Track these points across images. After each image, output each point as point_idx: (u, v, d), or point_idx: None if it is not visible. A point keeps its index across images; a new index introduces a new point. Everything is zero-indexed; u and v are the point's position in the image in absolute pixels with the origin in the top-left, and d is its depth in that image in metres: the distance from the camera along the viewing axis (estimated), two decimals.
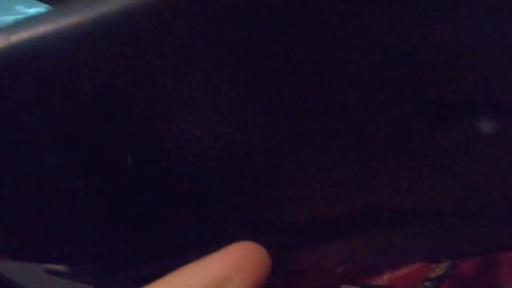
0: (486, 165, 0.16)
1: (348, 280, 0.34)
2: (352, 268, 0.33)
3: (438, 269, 0.43)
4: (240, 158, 0.16)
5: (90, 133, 0.16)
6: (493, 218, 0.17)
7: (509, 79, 0.14)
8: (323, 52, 0.14)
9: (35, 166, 0.17)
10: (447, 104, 0.15)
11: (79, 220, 0.18)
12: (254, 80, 0.15)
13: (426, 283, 0.43)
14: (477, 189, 0.16)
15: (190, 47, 0.14)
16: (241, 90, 0.15)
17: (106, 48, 0.15)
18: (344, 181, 0.16)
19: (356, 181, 0.16)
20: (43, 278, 0.22)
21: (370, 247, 0.19)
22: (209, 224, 0.18)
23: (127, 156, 0.16)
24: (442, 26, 0.14)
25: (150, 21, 0.14)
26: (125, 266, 0.19)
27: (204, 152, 0.16)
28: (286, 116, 0.15)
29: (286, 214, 0.18)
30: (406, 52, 0.14)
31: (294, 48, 0.14)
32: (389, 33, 0.14)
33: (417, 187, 0.16)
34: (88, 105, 0.15)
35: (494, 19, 0.14)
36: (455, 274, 0.46)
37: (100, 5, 0.14)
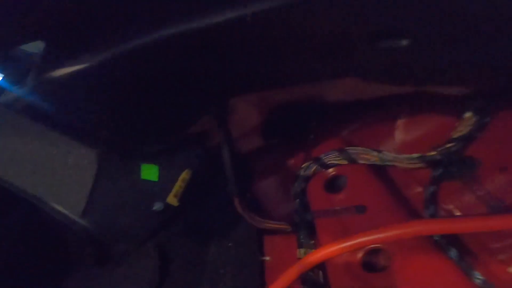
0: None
1: (354, 144, 0.56)
2: (361, 129, 0.56)
3: (462, 127, 0.44)
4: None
5: None
6: None
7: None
8: None
9: None
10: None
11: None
12: None
13: (448, 145, 0.44)
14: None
15: None
16: None
17: None
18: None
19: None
20: None
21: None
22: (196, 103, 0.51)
23: None
24: None
25: None
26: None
27: None
28: None
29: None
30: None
31: None
32: None
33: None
34: None
35: None
36: (487, 136, 0.41)
37: None
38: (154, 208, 0.62)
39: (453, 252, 0.36)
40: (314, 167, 0.56)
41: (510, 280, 0.34)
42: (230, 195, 0.54)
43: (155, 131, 0.56)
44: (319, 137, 0.61)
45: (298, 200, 0.56)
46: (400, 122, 0.52)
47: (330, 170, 0.55)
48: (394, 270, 0.39)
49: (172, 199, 0.59)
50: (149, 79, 0.41)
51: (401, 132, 0.52)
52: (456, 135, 0.45)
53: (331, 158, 0.54)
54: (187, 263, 0.64)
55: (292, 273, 0.46)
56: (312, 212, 0.52)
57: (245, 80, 0.46)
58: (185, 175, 0.60)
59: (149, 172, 0.62)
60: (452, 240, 0.38)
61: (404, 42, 0.33)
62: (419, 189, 0.47)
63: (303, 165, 0.57)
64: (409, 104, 0.52)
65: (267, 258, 0.58)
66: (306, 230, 0.52)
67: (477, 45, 0.34)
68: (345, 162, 0.53)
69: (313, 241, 0.51)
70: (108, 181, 0.60)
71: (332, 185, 0.55)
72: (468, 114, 0.45)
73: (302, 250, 0.51)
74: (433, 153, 0.45)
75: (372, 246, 0.42)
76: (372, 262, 0.44)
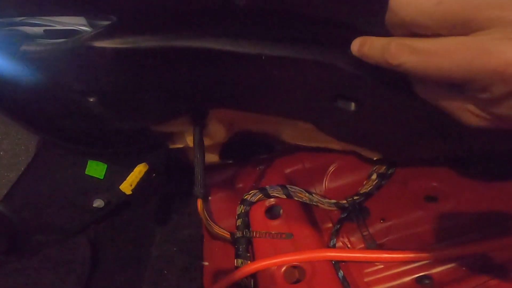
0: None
1: (293, 182, 0.77)
2: (300, 170, 0.78)
3: (367, 185, 0.68)
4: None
5: None
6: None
7: None
8: None
9: None
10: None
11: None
12: None
13: (355, 197, 0.68)
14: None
15: None
16: None
17: None
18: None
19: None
20: None
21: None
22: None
23: None
24: None
25: None
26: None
27: None
28: None
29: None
30: None
31: None
32: None
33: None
34: None
35: None
36: (380, 194, 0.65)
37: None
38: (94, 205, 0.67)
39: (340, 273, 0.60)
40: (259, 195, 0.74)
41: None
42: (195, 197, 0.64)
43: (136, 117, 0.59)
44: (267, 168, 0.81)
45: (241, 219, 0.74)
46: (329, 171, 0.75)
47: (271, 200, 0.75)
48: (305, 283, 0.60)
49: (126, 187, 0.63)
50: (162, 75, 0.47)
51: (328, 180, 0.75)
52: (362, 190, 0.70)
53: (274, 191, 0.73)
54: (124, 261, 0.70)
55: (230, 279, 0.64)
56: (252, 231, 0.72)
57: (228, 95, 0.55)
58: (142, 167, 0.66)
59: (95, 169, 0.66)
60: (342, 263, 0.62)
61: (353, 107, 0.46)
62: (330, 225, 0.71)
63: (250, 192, 0.75)
64: (340, 158, 0.75)
65: (206, 263, 0.73)
66: (245, 245, 0.70)
67: (398, 132, 0.52)
68: (284, 196, 0.73)
69: (249, 254, 0.69)
70: (44, 171, 0.63)
71: (270, 211, 0.75)
72: (373, 176, 0.70)
73: (239, 260, 0.68)
74: (344, 201, 0.69)
75: (293, 263, 0.63)
76: (291, 275, 0.64)
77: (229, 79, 0.48)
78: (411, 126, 0.49)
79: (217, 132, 0.67)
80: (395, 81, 0.37)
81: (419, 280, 0.60)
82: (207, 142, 0.68)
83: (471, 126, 0.30)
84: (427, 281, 0.59)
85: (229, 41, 0.40)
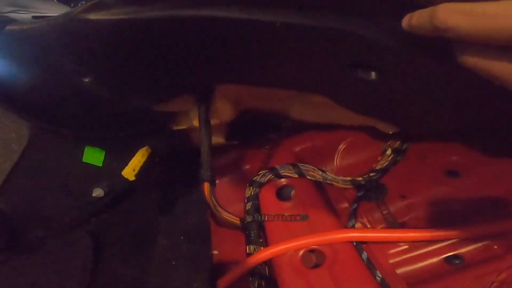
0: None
1: (303, 161, 0.74)
2: (310, 149, 0.75)
3: (382, 161, 0.65)
4: None
5: None
6: None
7: None
8: None
9: None
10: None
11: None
12: None
13: (371, 174, 0.65)
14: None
15: None
16: None
17: None
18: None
19: None
20: None
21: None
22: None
23: None
24: None
25: None
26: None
27: None
28: None
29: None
30: None
31: None
32: None
33: None
34: None
35: None
36: (396, 171, 0.63)
37: None
38: (94, 194, 0.64)
39: (364, 255, 0.57)
40: (269, 176, 0.71)
41: (397, 279, 0.56)
42: (201, 180, 0.61)
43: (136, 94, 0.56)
44: (274, 148, 0.78)
45: (251, 202, 0.71)
46: (340, 149, 0.72)
47: (282, 180, 0.72)
48: (326, 267, 0.57)
49: (128, 172, 0.60)
50: (163, 46, 0.44)
51: (339, 157, 0.72)
52: (377, 167, 0.66)
53: (285, 170, 0.70)
54: (129, 253, 0.68)
55: (243, 267, 0.61)
56: (263, 214, 0.69)
57: (238, 68, 0.51)
58: (144, 151, 0.63)
59: (93, 156, 0.63)
60: (363, 245, 0.59)
61: (373, 76, 0.44)
62: (346, 205, 0.68)
63: (259, 172, 0.72)
64: (351, 135, 0.71)
65: (216, 252, 0.70)
66: (256, 230, 0.67)
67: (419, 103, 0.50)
68: (295, 175, 0.70)
69: (261, 240, 0.66)
70: (39, 160, 0.60)
71: (280, 193, 0.72)
72: (388, 152, 0.67)
73: (252, 247, 0.65)
74: (360, 178, 0.66)
75: (309, 247, 0.61)
76: (309, 260, 0.62)
77: (239, 51, 0.45)
78: (434, 95, 0.47)
79: (223, 110, 0.64)
80: (422, 47, 0.35)
81: (448, 260, 0.57)
82: (213, 121, 0.64)
83: None
84: (457, 261, 0.57)
85: (239, 8, 0.36)
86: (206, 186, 0.62)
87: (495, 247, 0.55)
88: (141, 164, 0.61)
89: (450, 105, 0.49)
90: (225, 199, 0.76)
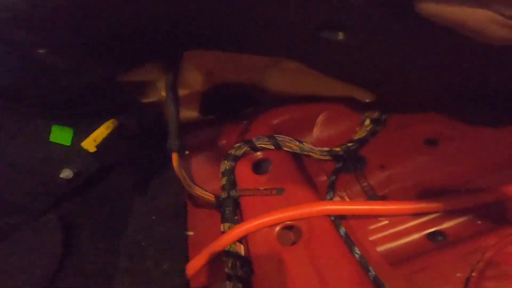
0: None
1: (281, 134, 0.70)
2: (288, 121, 0.71)
3: (361, 132, 0.62)
4: None
5: None
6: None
7: None
8: None
9: None
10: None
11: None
12: None
13: (349, 144, 0.61)
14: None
15: None
16: None
17: None
18: None
19: None
20: None
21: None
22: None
23: None
24: None
25: None
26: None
27: None
28: None
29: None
30: None
31: None
32: None
33: None
34: None
35: None
36: (376, 141, 0.59)
37: None
38: (62, 175, 0.62)
39: (342, 230, 0.53)
40: (245, 148, 0.67)
41: (376, 257, 0.52)
42: (169, 151, 0.58)
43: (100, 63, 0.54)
44: (252, 122, 0.73)
45: (226, 177, 0.67)
46: (319, 121, 0.68)
47: (258, 153, 0.68)
48: (302, 244, 0.53)
49: (89, 143, 0.58)
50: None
51: (318, 129, 0.68)
52: (356, 137, 0.63)
53: (261, 142, 0.66)
54: (100, 237, 0.65)
55: (216, 246, 0.57)
56: (238, 190, 0.65)
57: (203, 31, 0.49)
58: (109, 123, 0.60)
59: (61, 135, 0.61)
60: (342, 221, 0.56)
61: (341, 36, 0.43)
62: (325, 178, 0.64)
63: (235, 145, 0.68)
64: (330, 107, 0.68)
65: (191, 233, 0.67)
66: (231, 207, 0.63)
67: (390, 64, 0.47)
68: (272, 147, 0.66)
69: (237, 217, 0.62)
70: (2, 143, 0.58)
71: (258, 167, 0.68)
72: (367, 122, 0.63)
73: (226, 225, 0.61)
74: (337, 149, 0.62)
75: (286, 222, 0.57)
76: (286, 237, 0.58)
77: (203, 12, 0.42)
78: (403, 59, 0.45)
79: (193, 80, 0.60)
80: (389, 6, 0.34)
81: (431, 236, 0.54)
82: (183, 91, 0.61)
83: (499, 41, 0.29)
84: (440, 238, 0.53)
85: None
86: (174, 156, 0.59)
87: (479, 222, 0.52)
88: (104, 135, 0.58)
89: (421, 68, 0.47)
90: (201, 176, 0.73)
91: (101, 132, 0.58)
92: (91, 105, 0.59)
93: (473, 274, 0.45)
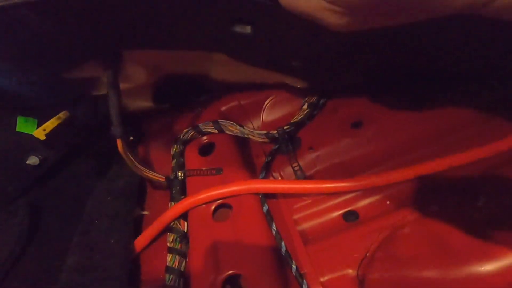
0: None
1: (229, 119, 0.73)
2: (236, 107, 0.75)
3: (298, 116, 0.65)
4: None
5: None
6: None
7: None
8: None
9: None
10: None
11: None
12: None
13: (285, 127, 0.64)
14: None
15: None
16: None
17: None
18: None
19: None
20: None
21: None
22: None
23: None
24: None
25: None
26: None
27: None
28: None
29: None
30: None
31: None
32: None
33: None
34: None
35: None
36: (312, 125, 0.62)
37: None
38: (28, 162, 0.65)
39: (265, 207, 0.56)
40: (192, 133, 0.71)
41: (293, 233, 0.55)
42: (113, 137, 0.61)
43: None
44: (204, 109, 0.77)
45: (175, 160, 0.71)
46: (266, 105, 0.71)
47: (205, 137, 0.72)
48: (231, 220, 0.57)
49: (39, 132, 0.60)
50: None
51: (265, 114, 0.71)
52: (293, 120, 0.65)
53: (207, 126, 0.70)
54: (62, 220, 0.68)
55: (159, 222, 0.61)
56: (185, 171, 0.69)
57: (130, 34, 0.53)
58: (61, 115, 0.64)
59: (26, 125, 0.64)
60: (270, 198, 0.59)
61: (249, 30, 0.46)
62: (264, 159, 0.66)
63: (184, 131, 0.73)
64: (276, 93, 0.71)
65: (146, 212, 0.71)
66: (179, 187, 0.67)
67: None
68: (215, 131, 0.70)
69: (183, 196, 0.66)
70: None
71: (206, 150, 0.71)
72: (305, 106, 0.66)
73: (172, 203, 0.65)
74: (274, 131, 0.65)
75: (220, 201, 0.60)
76: (223, 215, 0.61)
77: (127, 17, 0.46)
78: (318, 49, 0.48)
79: (135, 74, 0.64)
80: None
81: (345, 216, 0.57)
82: (126, 85, 0.66)
83: (336, 28, 0.30)
84: (353, 217, 0.56)
85: None
86: (119, 142, 0.62)
87: (388, 202, 0.54)
88: (54, 125, 0.62)
89: (335, 54, 0.49)
90: (158, 161, 0.77)
91: (51, 122, 0.62)
92: (48, 98, 0.64)
93: (367, 254, 0.47)
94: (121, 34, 0.53)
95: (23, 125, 0.63)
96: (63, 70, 0.59)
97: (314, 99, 0.65)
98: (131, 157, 0.66)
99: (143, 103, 0.74)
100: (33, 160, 0.65)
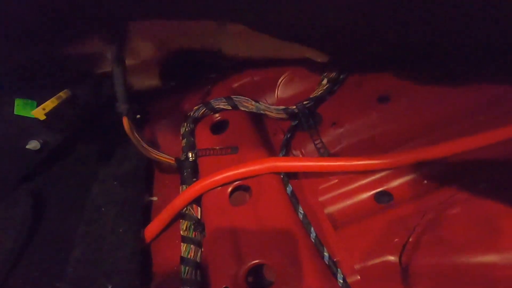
0: None
1: (243, 94, 0.67)
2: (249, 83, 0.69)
3: (318, 90, 0.60)
4: None
5: None
6: None
7: None
8: None
9: None
10: None
11: None
12: None
13: (305, 102, 0.59)
14: None
15: None
16: None
17: None
18: None
19: None
20: None
21: None
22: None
23: None
24: None
25: None
26: None
27: None
28: None
29: None
30: None
31: None
32: None
33: None
34: None
35: None
36: (333, 100, 0.57)
37: None
38: (28, 146, 0.62)
39: (289, 188, 0.51)
40: (203, 110, 0.66)
41: (321, 217, 0.51)
42: (119, 115, 0.57)
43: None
44: (213, 86, 0.72)
45: (185, 139, 0.66)
46: (280, 82, 0.67)
47: (217, 115, 0.66)
48: (251, 203, 0.52)
49: (38, 112, 0.56)
50: None
51: (280, 90, 0.67)
52: (312, 95, 0.60)
53: (220, 103, 0.65)
54: (66, 207, 0.65)
55: (170, 209, 0.57)
56: (196, 151, 0.64)
57: (135, 3, 0.49)
58: (61, 94, 0.60)
59: (25, 108, 0.60)
60: (291, 178, 0.54)
61: None
62: (282, 136, 0.61)
63: (194, 108, 0.67)
64: (291, 69, 0.66)
65: (155, 198, 0.66)
66: (190, 168, 0.62)
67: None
68: (229, 107, 0.64)
69: (195, 179, 0.61)
70: None
71: (218, 128, 0.66)
72: (324, 81, 0.61)
73: (184, 187, 0.61)
74: (293, 107, 0.59)
75: (237, 182, 0.55)
76: (240, 198, 0.56)
77: None
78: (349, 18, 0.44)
79: (141, 49, 0.61)
80: None
81: (377, 197, 0.52)
82: (131, 61, 0.62)
83: None
84: (385, 198, 0.51)
85: None
86: (125, 120, 0.58)
87: (424, 181, 0.49)
88: (54, 104, 0.57)
89: (367, 26, 0.45)
90: (167, 141, 0.72)
91: (51, 101, 0.57)
92: (48, 77, 0.60)
93: (410, 239, 0.42)
94: (126, 4, 0.49)
95: (22, 108, 0.59)
96: (64, 45, 0.55)
97: (333, 74, 0.61)
98: (138, 137, 0.61)
99: (149, 81, 0.69)
100: (33, 145, 0.61)
